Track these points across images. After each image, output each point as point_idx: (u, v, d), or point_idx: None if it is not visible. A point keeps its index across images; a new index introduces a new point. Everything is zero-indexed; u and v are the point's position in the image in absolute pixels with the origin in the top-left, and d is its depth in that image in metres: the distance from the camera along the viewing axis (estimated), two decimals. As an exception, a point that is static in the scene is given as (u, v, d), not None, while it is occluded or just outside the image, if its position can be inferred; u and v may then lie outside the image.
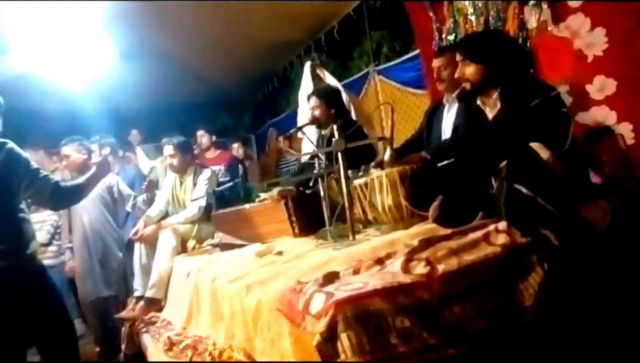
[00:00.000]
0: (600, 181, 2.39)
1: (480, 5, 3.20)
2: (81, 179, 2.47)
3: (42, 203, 2.31)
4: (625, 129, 2.49)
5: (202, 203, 3.51)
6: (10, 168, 2.09)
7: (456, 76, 2.01)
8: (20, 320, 2.13)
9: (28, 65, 3.21)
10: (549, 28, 2.76)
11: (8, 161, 2.09)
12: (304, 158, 3.77)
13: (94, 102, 4.63)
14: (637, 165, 2.43)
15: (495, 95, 1.92)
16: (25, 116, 2.37)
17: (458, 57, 2.00)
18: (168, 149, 3.64)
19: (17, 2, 3.19)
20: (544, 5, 2.77)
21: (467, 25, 3.34)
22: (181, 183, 3.71)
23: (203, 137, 5.25)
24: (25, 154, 2.20)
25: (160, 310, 3.17)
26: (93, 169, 2.50)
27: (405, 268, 1.49)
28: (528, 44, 2.92)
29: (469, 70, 1.94)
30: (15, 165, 2.11)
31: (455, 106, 2.54)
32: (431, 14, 3.67)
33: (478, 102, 2.01)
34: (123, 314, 3.33)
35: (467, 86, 1.97)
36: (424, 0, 3.65)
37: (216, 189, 3.56)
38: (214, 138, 5.34)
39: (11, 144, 2.13)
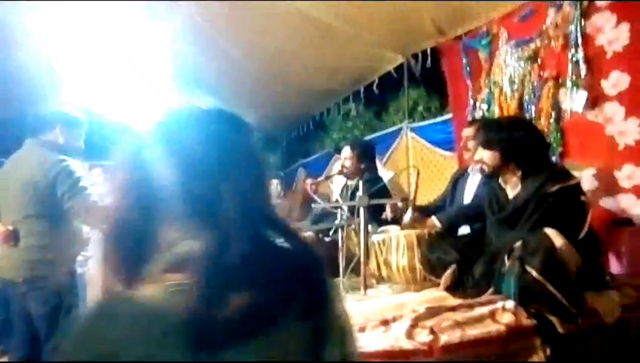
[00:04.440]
0: (619, 269, 2.39)
1: (516, 81, 3.30)
2: None
3: (78, 217, 2.48)
4: (650, 220, 2.50)
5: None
6: (60, 180, 2.34)
7: (475, 158, 2.10)
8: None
9: (83, 100, 3.42)
10: (583, 112, 2.82)
11: (59, 174, 2.34)
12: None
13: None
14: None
15: (516, 177, 2.00)
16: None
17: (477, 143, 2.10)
18: None
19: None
20: (581, 90, 2.84)
21: (501, 98, 3.44)
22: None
23: (272, 185, 5.41)
24: (81, 172, 2.44)
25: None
26: None
27: (409, 334, 1.54)
28: (560, 124, 2.99)
29: (486, 155, 2.04)
30: (64, 179, 2.35)
31: (478, 176, 2.60)
32: (468, 82, 3.79)
33: (500, 180, 2.08)
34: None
35: (485, 168, 2.05)
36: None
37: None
38: None
39: (68, 162, 2.39)
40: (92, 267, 4.07)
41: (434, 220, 2.42)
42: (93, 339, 0.62)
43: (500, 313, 1.67)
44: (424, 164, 4.38)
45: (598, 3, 2.78)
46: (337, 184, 3.48)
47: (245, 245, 0.63)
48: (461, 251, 2.11)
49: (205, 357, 0.59)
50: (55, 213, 2.38)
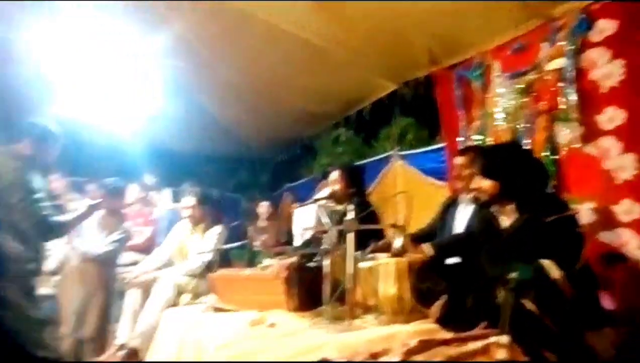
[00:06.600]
0: (612, 306, 2.31)
1: (510, 113, 3.27)
2: (69, 217, 2.53)
3: (27, 230, 2.33)
4: (647, 255, 2.44)
5: (207, 257, 3.45)
6: (15, 189, 2.28)
7: (472, 187, 2.04)
8: None
9: (74, 113, 3.36)
10: (578, 146, 2.79)
11: (13, 183, 2.29)
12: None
13: (133, 139, 4.77)
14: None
15: (512, 205, 1.93)
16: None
17: (475, 171, 2.04)
18: (190, 200, 3.65)
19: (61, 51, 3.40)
20: (574, 124, 2.81)
21: (494, 129, 3.41)
22: (191, 234, 3.68)
23: (262, 208, 5.50)
24: (40, 184, 2.34)
25: (140, 361, 3.05)
26: (82, 209, 2.55)
27: (399, 369, 1.43)
28: (557, 156, 2.95)
29: (485, 184, 1.97)
30: (18, 188, 2.28)
31: (471, 207, 2.54)
32: (462, 111, 3.76)
33: (493, 209, 2.01)
34: (101, 360, 3.21)
35: (484, 197, 1.98)
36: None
37: (224, 247, 3.51)
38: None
39: (26, 172, 2.32)
40: (64, 288, 3.84)
41: (427, 248, 2.33)
42: None
43: (494, 349, 1.57)
44: (414, 192, 4.29)
45: (592, 38, 2.79)
46: (324, 209, 3.39)
47: None
48: (452, 281, 2.02)
49: None
50: (8, 220, 2.25)
